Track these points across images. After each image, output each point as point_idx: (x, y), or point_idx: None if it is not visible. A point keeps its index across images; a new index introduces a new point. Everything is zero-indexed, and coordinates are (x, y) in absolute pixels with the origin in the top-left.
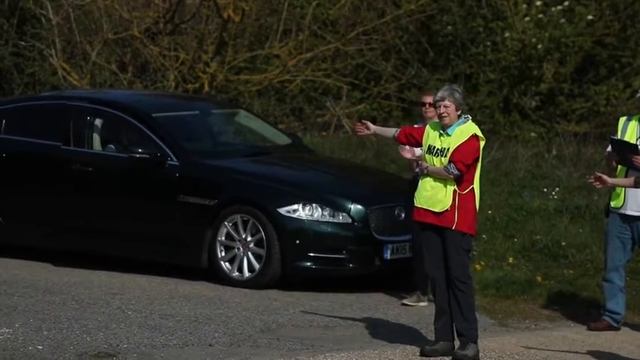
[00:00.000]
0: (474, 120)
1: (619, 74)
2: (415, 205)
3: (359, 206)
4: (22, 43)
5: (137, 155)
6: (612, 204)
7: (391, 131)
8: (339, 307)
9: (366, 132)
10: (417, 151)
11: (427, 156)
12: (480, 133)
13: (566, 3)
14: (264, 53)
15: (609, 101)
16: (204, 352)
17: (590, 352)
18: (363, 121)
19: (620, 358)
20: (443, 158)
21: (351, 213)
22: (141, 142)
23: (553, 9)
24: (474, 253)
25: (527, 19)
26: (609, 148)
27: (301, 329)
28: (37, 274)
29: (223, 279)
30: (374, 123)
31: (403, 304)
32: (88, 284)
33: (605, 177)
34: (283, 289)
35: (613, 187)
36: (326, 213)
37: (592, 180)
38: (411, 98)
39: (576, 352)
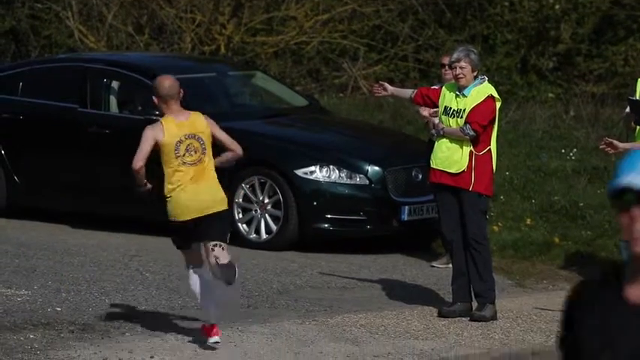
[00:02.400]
0: (490, 81)
1: (637, 34)
2: (431, 166)
3: (376, 168)
4: (39, 5)
5: (154, 117)
6: None
7: (408, 92)
8: (357, 268)
9: (384, 93)
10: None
11: (443, 117)
12: (496, 94)
13: None
14: (280, 15)
15: (627, 62)
16: (222, 314)
17: None
18: (381, 82)
19: None
20: (459, 119)
21: (369, 174)
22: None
23: None
24: (492, 214)
25: None
26: (627, 109)
27: (319, 290)
28: (55, 236)
29: (241, 241)
30: (391, 84)
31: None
32: (106, 246)
33: (616, 142)
34: (300, 251)
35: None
36: (343, 174)
37: (603, 146)
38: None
39: None
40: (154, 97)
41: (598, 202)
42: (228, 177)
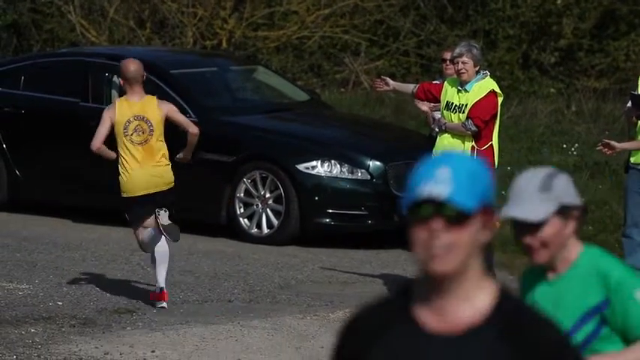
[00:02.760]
0: (492, 76)
1: (639, 29)
2: None
3: (377, 162)
4: None
5: None
6: (632, 160)
7: (409, 87)
8: (358, 263)
9: (385, 88)
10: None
11: (445, 112)
12: (497, 89)
13: None
14: (282, 9)
15: (629, 57)
16: (223, 308)
17: None
18: (382, 77)
19: None
20: (461, 114)
21: (370, 169)
22: (159, 99)
23: None
24: None
25: None
26: (629, 104)
27: (320, 285)
28: (57, 230)
29: (242, 235)
30: (392, 79)
31: None
32: (107, 240)
33: (613, 143)
34: (302, 246)
35: None
36: (345, 169)
37: (600, 147)
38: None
39: None
40: (119, 79)
41: (599, 198)
42: (230, 172)
